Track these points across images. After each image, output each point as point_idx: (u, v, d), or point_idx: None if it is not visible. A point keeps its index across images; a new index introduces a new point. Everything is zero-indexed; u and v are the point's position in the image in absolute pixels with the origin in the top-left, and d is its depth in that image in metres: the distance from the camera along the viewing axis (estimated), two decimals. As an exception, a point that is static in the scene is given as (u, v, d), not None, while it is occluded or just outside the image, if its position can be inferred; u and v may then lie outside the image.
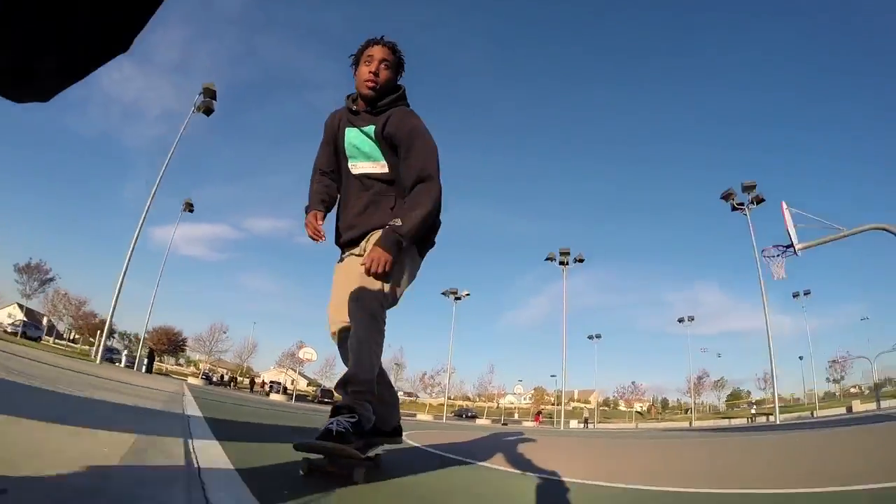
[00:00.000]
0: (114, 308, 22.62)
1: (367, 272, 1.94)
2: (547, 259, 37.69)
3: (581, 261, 36.89)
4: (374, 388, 1.98)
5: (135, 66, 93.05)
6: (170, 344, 57.94)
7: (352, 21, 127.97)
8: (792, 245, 12.41)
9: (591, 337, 53.36)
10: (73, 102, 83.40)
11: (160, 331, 55.28)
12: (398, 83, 2.32)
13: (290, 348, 53.11)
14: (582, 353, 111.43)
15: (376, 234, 2.07)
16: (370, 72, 2.19)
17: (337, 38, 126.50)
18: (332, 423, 1.77)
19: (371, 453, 2.10)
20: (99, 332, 44.81)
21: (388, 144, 2.15)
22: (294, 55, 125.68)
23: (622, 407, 62.19)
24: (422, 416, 36.88)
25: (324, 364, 54.80)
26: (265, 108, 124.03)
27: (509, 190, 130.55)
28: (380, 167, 2.19)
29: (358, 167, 2.24)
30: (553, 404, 53.56)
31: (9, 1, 0.47)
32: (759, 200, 24.52)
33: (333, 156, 2.38)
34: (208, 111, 25.59)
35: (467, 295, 42.13)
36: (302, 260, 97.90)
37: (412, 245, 2.12)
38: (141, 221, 23.34)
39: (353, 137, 2.22)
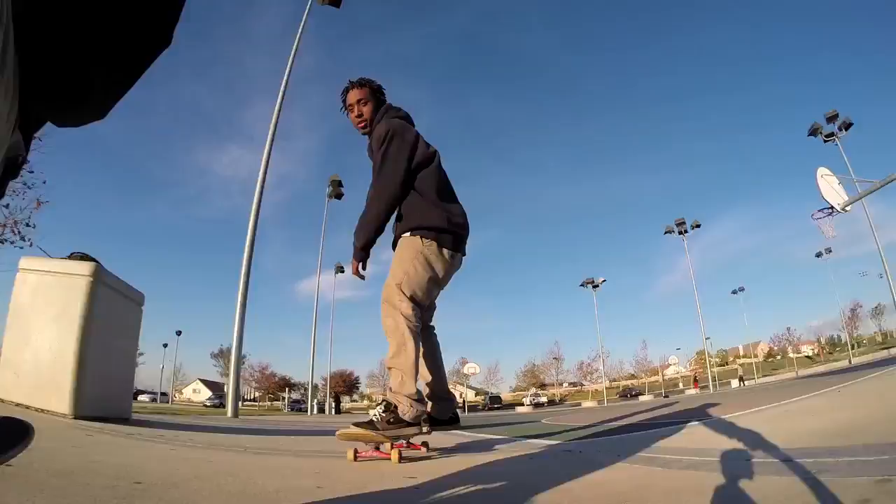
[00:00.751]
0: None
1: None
2: (666, 233, 38.98)
3: (698, 226, 37.80)
4: (410, 378, 2.31)
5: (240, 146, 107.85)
6: (345, 384, 67.30)
7: (418, 39, 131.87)
8: (832, 207, 12.83)
9: (734, 292, 52.38)
10: (193, 196, 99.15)
11: (335, 375, 64.80)
12: (382, 103, 2.71)
13: (454, 365, 59.42)
14: (733, 308, 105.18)
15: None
16: (355, 116, 2.67)
17: (413, 62, 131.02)
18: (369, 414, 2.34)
19: (424, 431, 2.47)
20: (287, 387, 55.13)
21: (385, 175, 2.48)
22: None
23: (791, 354, 58.88)
24: (586, 403, 39.89)
25: (487, 373, 60.31)
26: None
27: (611, 158, 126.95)
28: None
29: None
30: (715, 366, 53.17)
31: (51, 14, 0.47)
32: (848, 125, 25.00)
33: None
34: (338, 196, 31.05)
35: (603, 281, 44.02)
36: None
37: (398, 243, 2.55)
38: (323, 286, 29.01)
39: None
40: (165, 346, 58.39)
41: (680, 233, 38.33)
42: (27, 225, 11.22)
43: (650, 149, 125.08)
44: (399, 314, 2.38)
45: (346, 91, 2.69)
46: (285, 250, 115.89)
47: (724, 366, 64.05)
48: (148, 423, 4.30)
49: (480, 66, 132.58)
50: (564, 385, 68.71)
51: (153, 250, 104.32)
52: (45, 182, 11.47)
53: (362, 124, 2.66)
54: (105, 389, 3.75)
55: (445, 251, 2.50)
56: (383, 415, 2.31)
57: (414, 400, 2.33)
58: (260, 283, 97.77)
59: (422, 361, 2.48)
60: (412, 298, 2.42)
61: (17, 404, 3.26)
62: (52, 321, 3.46)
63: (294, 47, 12.65)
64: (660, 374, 61.63)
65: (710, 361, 43.90)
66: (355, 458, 2.36)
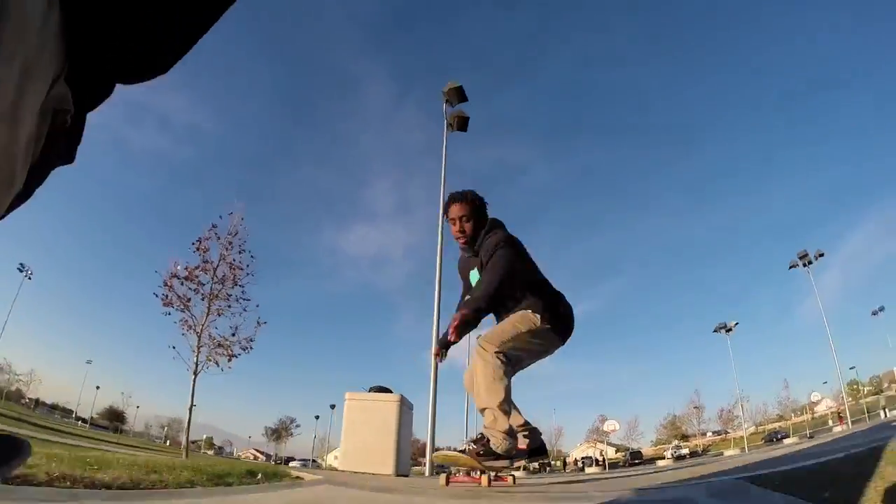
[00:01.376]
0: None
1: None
2: (791, 268, 37.47)
3: (821, 255, 35.94)
4: (501, 416, 2.62)
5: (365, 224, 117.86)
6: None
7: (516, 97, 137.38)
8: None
9: (874, 313, 47.19)
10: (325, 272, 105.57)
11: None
12: (483, 219, 2.97)
13: (593, 423, 58.37)
14: (877, 329, 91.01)
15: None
16: (457, 231, 2.94)
17: (518, 120, 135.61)
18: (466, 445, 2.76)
19: (515, 463, 2.87)
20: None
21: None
22: (492, 153, 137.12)
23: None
24: (728, 452, 37.98)
25: (627, 429, 58.85)
26: (489, 208, 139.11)
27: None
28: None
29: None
30: (869, 395, 47.25)
31: None
32: None
33: (468, 289, 3.19)
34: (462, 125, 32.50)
35: (736, 324, 42.80)
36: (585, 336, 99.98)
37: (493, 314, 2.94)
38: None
39: (473, 276, 3.03)
40: (317, 417, 64.26)
41: (804, 265, 36.74)
42: (250, 340, 15.80)
43: (761, 177, 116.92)
44: (491, 359, 2.66)
45: (449, 203, 2.94)
46: (416, 319, 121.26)
47: (878, 393, 55.82)
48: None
49: (584, 113, 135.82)
50: (708, 434, 64.26)
51: (306, 323, 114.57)
52: (258, 306, 16.08)
53: (463, 240, 2.92)
54: (403, 458, 7.06)
55: (549, 330, 2.83)
56: (474, 446, 2.65)
57: (506, 434, 2.62)
58: (393, 350, 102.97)
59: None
60: (505, 352, 2.71)
61: (363, 472, 6.55)
62: (377, 428, 6.86)
63: (442, 172, 15.68)
64: (807, 412, 55.60)
65: (863, 390, 39.81)
66: (447, 483, 3.00)
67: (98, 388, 64.67)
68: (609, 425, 43.37)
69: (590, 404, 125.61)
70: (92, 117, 0.56)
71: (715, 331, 42.83)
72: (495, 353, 2.67)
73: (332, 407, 59.42)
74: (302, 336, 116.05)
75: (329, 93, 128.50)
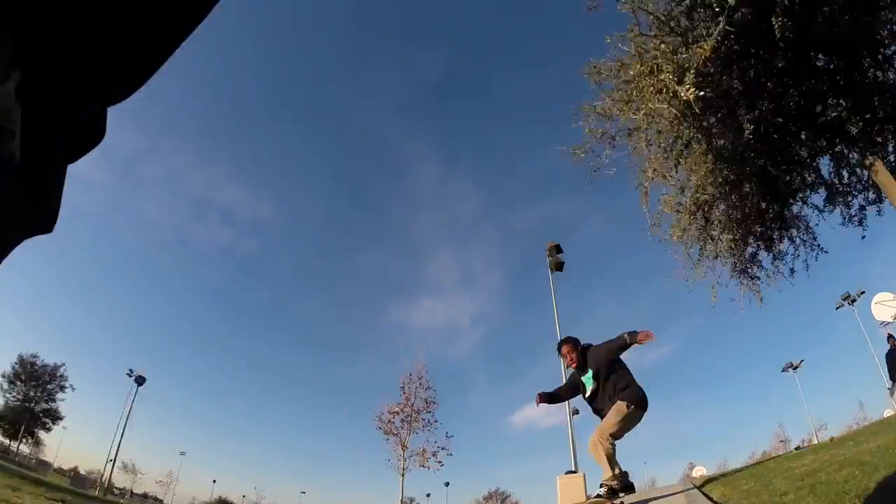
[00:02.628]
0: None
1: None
2: (837, 308, 37.32)
3: (863, 293, 37.40)
4: (607, 469, 4.33)
5: (430, 297, 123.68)
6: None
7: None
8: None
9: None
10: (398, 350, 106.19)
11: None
12: (579, 348, 4.84)
13: (683, 470, 56.72)
14: None
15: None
16: (570, 361, 4.86)
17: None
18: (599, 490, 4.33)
19: (618, 500, 4.34)
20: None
21: (598, 369, 4.60)
22: (544, 209, 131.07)
23: None
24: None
25: (717, 472, 57.79)
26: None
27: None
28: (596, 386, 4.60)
29: (589, 391, 4.69)
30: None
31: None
32: None
33: (570, 389, 5.01)
34: (559, 267, 23.90)
35: (802, 361, 43.36)
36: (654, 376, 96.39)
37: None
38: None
39: (586, 379, 4.80)
40: (429, 495, 62.07)
41: (850, 303, 38.36)
42: (444, 450, 23.01)
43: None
44: (605, 441, 4.42)
45: (562, 344, 4.97)
46: (489, 389, 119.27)
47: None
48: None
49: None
50: (797, 470, 62.12)
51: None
52: (442, 424, 23.57)
53: (574, 365, 4.87)
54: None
55: (635, 410, 4.46)
56: (601, 490, 4.45)
57: (617, 478, 4.42)
58: (470, 421, 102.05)
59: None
60: (612, 434, 4.45)
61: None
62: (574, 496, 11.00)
63: (555, 313, 18.31)
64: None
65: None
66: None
67: (214, 481, 65.18)
68: (697, 471, 44.51)
69: (677, 453, 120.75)
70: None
71: (783, 370, 43.95)
72: (608, 436, 4.43)
73: (447, 484, 56.97)
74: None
75: (380, 172, 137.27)
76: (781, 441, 58.41)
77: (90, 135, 0.54)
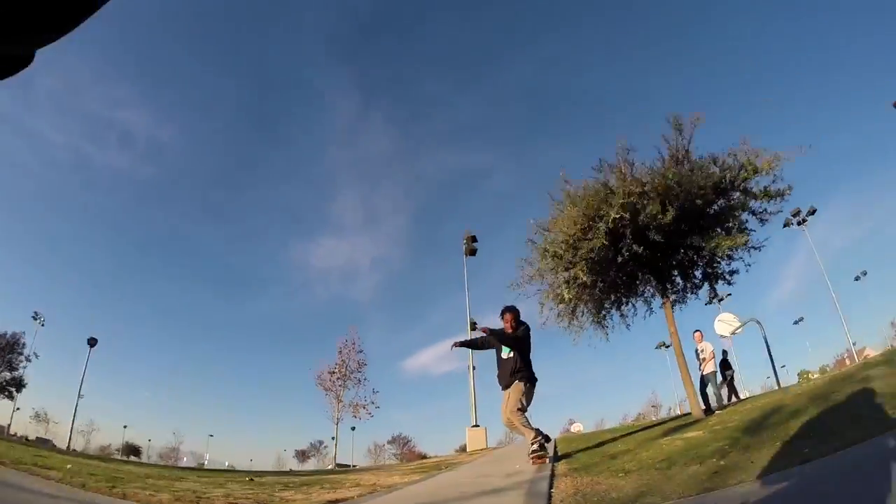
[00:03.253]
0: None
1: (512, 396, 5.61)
2: (784, 226, 36.36)
3: (814, 212, 37.43)
4: (531, 433, 5.44)
5: (332, 237, 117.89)
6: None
7: (482, 101, 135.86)
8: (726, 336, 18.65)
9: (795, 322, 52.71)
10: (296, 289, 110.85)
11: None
12: (518, 318, 5.87)
13: (563, 427, 56.10)
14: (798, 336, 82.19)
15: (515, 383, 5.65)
16: (508, 326, 5.81)
17: (482, 125, 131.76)
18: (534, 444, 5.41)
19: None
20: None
21: (516, 346, 5.77)
22: (452, 159, 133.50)
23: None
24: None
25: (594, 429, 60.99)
26: (456, 214, 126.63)
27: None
28: (511, 355, 5.79)
29: (504, 355, 5.84)
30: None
31: None
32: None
33: (486, 343, 6.17)
34: (473, 252, 25.60)
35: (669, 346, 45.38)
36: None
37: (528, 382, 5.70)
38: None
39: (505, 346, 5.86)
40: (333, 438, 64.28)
41: (799, 223, 37.93)
42: (373, 404, 27.34)
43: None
44: (517, 415, 5.55)
45: (505, 311, 5.91)
46: (386, 331, 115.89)
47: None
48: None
49: (547, 115, 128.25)
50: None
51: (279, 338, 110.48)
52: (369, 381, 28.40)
53: (510, 329, 5.83)
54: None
55: (530, 387, 5.73)
56: (534, 446, 5.39)
57: (537, 435, 5.44)
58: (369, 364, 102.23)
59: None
60: (520, 408, 5.59)
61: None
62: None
63: (466, 297, 23.12)
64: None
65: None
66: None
67: (125, 426, 64.78)
68: (575, 427, 45.82)
69: (559, 408, 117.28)
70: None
71: (657, 348, 46.85)
72: (517, 411, 5.57)
73: (353, 429, 54.86)
74: (280, 352, 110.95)
75: (293, 107, 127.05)
76: (653, 406, 61.44)
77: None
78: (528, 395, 5.73)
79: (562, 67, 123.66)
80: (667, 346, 46.74)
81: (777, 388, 14.61)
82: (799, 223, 37.44)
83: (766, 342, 16.36)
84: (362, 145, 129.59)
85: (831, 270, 65.56)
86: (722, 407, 10.51)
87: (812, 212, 37.23)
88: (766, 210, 8.84)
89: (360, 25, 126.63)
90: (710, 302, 10.20)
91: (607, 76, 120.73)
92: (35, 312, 35.65)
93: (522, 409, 5.62)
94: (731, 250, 8.73)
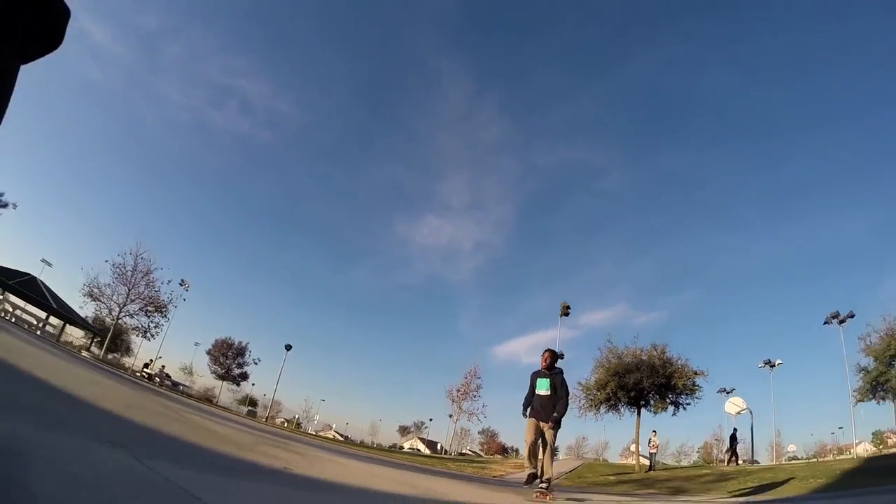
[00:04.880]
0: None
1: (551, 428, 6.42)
2: (825, 324, 38.34)
3: (852, 316, 38.04)
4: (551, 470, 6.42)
5: (437, 216, 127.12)
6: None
7: (600, 98, 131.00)
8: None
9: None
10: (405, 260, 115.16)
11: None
12: (556, 360, 6.73)
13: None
14: None
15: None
16: (544, 362, 6.65)
17: (598, 122, 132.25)
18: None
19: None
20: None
21: (552, 385, 6.50)
22: (566, 153, 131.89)
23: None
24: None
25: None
26: (562, 210, 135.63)
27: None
28: (550, 392, 6.50)
29: (540, 392, 6.55)
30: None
31: None
32: None
33: (533, 387, 6.60)
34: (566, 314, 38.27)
35: (780, 363, 45.94)
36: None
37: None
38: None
39: (539, 382, 6.58)
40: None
41: (840, 322, 38.26)
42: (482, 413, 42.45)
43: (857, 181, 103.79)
44: (550, 456, 6.29)
45: (546, 352, 6.73)
46: (481, 314, 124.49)
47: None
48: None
49: (666, 117, 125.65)
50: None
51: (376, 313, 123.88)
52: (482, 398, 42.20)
53: (545, 365, 6.61)
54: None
55: (557, 430, 6.49)
56: (543, 486, 6.22)
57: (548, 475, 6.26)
58: (458, 346, 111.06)
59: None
60: (552, 448, 6.45)
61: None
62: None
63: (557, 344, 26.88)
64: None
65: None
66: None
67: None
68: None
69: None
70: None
71: (760, 367, 46.03)
72: (552, 450, 6.38)
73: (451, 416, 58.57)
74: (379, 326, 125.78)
75: (409, 88, 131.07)
76: (716, 439, 59.74)
77: None
78: (555, 435, 6.49)
79: (683, 68, 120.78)
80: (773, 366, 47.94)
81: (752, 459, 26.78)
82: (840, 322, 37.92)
83: (752, 426, 28.49)
84: (472, 130, 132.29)
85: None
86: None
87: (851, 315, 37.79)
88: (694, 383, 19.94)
89: (484, 11, 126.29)
90: (674, 413, 20.48)
91: (728, 81, 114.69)
92: (181, 280, 39.03)
93: (553, 447, 6.50)
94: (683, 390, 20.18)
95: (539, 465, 6.37)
